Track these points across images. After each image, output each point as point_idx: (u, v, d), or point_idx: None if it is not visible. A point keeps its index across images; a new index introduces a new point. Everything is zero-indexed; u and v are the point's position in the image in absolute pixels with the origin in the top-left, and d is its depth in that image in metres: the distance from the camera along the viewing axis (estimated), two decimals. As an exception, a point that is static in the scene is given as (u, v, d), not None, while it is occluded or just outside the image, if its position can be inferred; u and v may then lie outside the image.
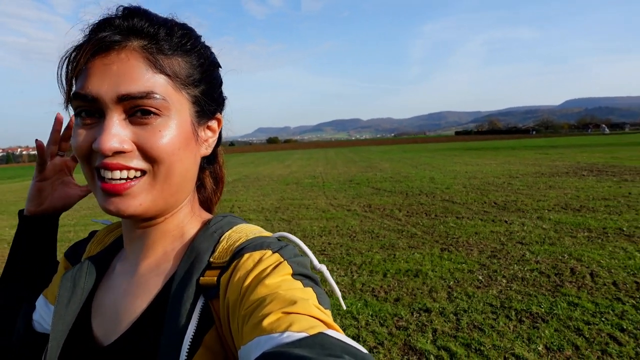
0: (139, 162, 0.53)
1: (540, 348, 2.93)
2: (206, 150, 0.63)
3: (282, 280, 0.50)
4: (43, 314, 0.71)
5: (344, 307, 0.63)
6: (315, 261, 0.58)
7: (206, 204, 0.72)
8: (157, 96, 0.53)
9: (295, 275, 0.52)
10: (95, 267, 0.66)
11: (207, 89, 0.61)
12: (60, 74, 0.54)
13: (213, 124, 0.64)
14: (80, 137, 0.54)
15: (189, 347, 0.50)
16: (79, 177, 0.72)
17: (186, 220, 0.64)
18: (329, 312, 0.49)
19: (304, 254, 0.59)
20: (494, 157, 21.06)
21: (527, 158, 19.29)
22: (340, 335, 0.43)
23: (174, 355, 0.50)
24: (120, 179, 0.53)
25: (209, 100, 0.61)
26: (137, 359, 0.54)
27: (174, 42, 0.56)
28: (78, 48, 0.53)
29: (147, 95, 0.52)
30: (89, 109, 0.53)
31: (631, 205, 7.46)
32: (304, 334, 0.42)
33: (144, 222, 0.61)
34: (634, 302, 3.54)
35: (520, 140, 52.32)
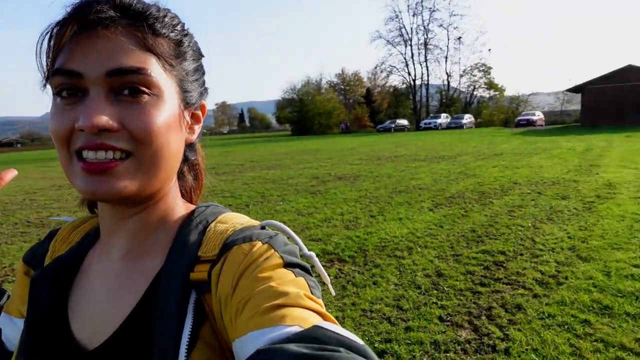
0: (124, 143, 0.50)
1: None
2: (191, 137, 0.61)
3: (273, 272, 0.49)
4: (10, 333, 0.66)
5: (333, 294, 0.62)
6: (305, 248, 0.57)
7: (187, 196, 0.69)
8: (148, 73, 0.50)
9: (286, 265, 0.51)
10: (67, 266, 0.62)
11: (194, 74, 0.59)
12: (40, 50, 0.50)
13: (198, 111, 0.62)
14: (59, 118, 0.50)
15: (187, 342, 0.48)
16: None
17: (169, 210, 0.61)
18: (321, 301, 0.48)
19: (293, 241, 0.58)
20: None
21: (34, 172, 16.77)
22: (335, 326, 0.42)
23: (172, 352, 0.48)
24: (106, 159, 0.49)
25: (195, 85, 0.59)
26: (130, 359, 0.51)
27: (164, 23, 0.54)
28: (62, 22, 0.49)
29: (139, 70, 0.50)
30: (70, 87, 0.50)
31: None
32: (298, 328, 0.41)
33: (125, 211, 0.58)
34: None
35: (9, 154, 48.33)
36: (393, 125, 45.24)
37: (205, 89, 0.64)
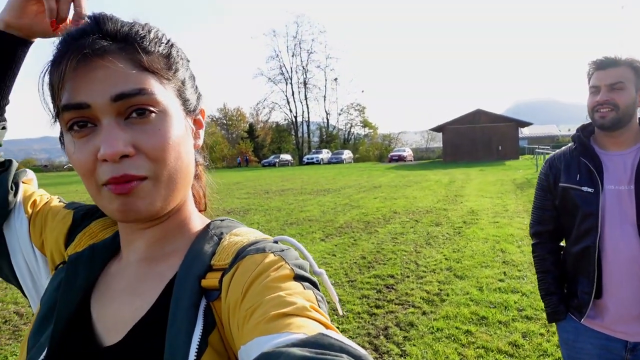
0: (143, 169, 0.52)
1: None
2: (198, 142, 0.64)
3: (283, 283, 0.50)
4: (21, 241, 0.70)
5: (341, 313, 0.64)
6: (315, 265, 0.59)
7: (197, 200, 0.72)
8: (150, 92, 0.53)
9: (295, 278, 0.52)
10: (98, 256, 0.63)
11: (187, 81, 0.62)
12: (42, 91, 0.52)
13: (198, 116, 0.64)
14: (80, 153, 0.52)
15: (197, 348, 0.50)
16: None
17: (186, 219, 0.63)
18: (327, 315, 0.49)
19: (304, 257, 0.59)
20: None
21: None
22: (339, 335, 0.43)
23: (181, 356, 0.49)
24: (129, 181, 0.52)
25: (191, 92, 0.62)
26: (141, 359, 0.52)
27: (150, 40, 0.56)
28: (58, 59, 0.51)
29: (140, 91, 0.52)
30: (81, 120, 0.52)
31: None
32: (302, 335, 0.42)
33: (146, 223, 0.59)
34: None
35: None
36: (277, 160, 45.95)
37: (200, 93, 0.66)
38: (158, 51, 0.56)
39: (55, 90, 0.51)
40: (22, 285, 0.72)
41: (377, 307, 4.14)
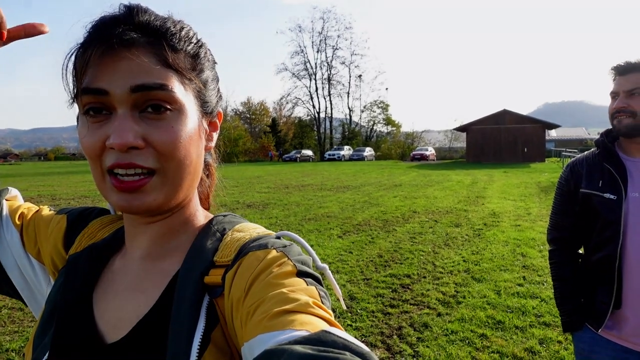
0: (150, 161, 0.52)
1: None
2: (210, 144, 0.64)
3: (285, 279, 0.50)
4: (15, 254, 0.70)
5: (344, 307, 0.64)
6: (318, 261, 0.59)
7: (202, 198, 0.72)
8: (170, 89, 0.53)
9: (298, 274, 0.52)
10: (98, 256, 0.64)
11: (210, 83, 0.62)
12: (66, 71, 0.52)
13: (214, 119, 0.64)
14: (90, 137, 0.53)
15: (199, 344, 0.50)
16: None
17: (190, 216, 0.63)
18: (330, 311, 0.49)
19: (307, 253, 0.59)
20: None
21: None
22: (342, 333, 0.43)
23: (183, 354, 0.49)
24: (135, 174, 0.52)
25: (212, 95, 0.62)
26: (144, 356, 0.53)
27: (180, 38, 0.56)
28: (86, 44, 0.52)
29: (162, 87, 0.52)
30: (98, 106, 0.52)
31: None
32: (305, 332, 0.42)
33: (150, 218, 0.59)
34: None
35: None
36: (298, 155, 46.08)
37: (220, 96, 0.66)
38: (186, 50, 0.57)
39: (78, 72, 0.52)
40: (24, 297, 0.72)
41: (392, 306, 4.12)
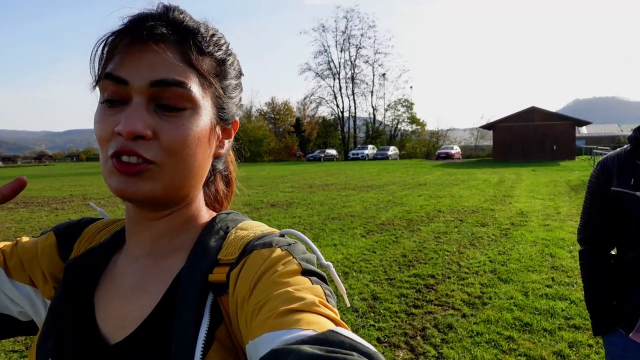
0: (152, 153, 0.52)
1: None
2: (220, 150, 0.63)
3: (290, 278, 0.50)
4: (16, 293, 0.66)
5: (348, 304, 0.63)
6: (322, 258, 0.58)
7: (217, 204, 0.72)
8: (188, 87, 0.54)
9: (303, 273, 0.52)
10: (97, 259, 0.64)
11: (231, 92, 0.62)
12: (94, 55, 0.53)
13: (230, 126, 0.64)
14: (103, 123, 0.54)
15: (203, 342, 0.50)
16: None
17: (193, 216, 0.63)
18: (336, 310, 0.49)
19: (311, 251, 0.59)
20: None
21: None
22: (348, 332, 0.43)
23: (188, 352, 0.49)
24: (138, 162, 0.52)
25: (231, 103, 0.62)
26: (149, 356, 0.52)
27: (209, 42, 0.57)
28: (116, 33, 0.53)
29: (181, 84, 0.53)
30: (116, 94, 0.53)
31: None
32: (312, 331, 0.41)
33: (152, 214, 0.59)
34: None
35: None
36: (322, 155, 46.13)
37: (240, 105, 0.67)
38: (213, 55, 0.58)
39: (105, 58, 0.53)
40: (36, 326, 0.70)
41: (416, 307, 4.07)
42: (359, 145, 54.23)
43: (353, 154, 45.75)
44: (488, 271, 5.07)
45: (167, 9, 0.55)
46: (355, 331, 3.57)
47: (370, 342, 3.36)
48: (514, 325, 3.62)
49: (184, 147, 0.54)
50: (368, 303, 4.18)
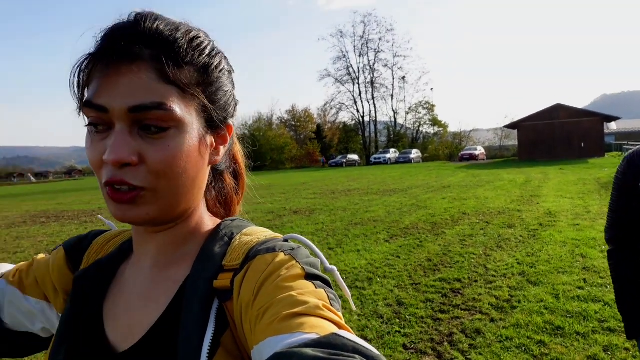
0: (140, 180, 0.52)
1: None
2: (216, 158, 0.62)
3: (294, 282, 0.50)
4: (16, 306, 0.69)
5: (354, 309, 0.64)
6: (326, 262, 0.58)
7: (228, 203, 0.72)
8: (169, 107, 0.52)
9: (307, 277, 0.52)
10: (105, 270, 0.65)
11: (218, 98, 0.59)
12: (73, 82, 0.53)
13: (223, 132, 0.62)
14: (92, 151, 0.54)
15: (209, 348, 0.50)
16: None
17: (197, 225, 0.63)
18: (340, 314, 0.49)
19: (315, 255, 0.59)
20: None
21: None
22: (352, 336, 0.43)
23: (194, 357, 0.49)
24: (129, 190, 0.53)
25: (220, 109, 0.60)
26: None
27: (187, 52, 0.54)
28: (92, 56, 0.52)
29: (159, 106, 0.51)
30: (98, 122, 0.53)
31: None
32: (315, 335, 0.42)
33: (155, 228, 0.60)
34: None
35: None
36: (344, 160, 46.06)
37: (235, 105, 0.64)
38: (194, 62, 0.55)
39: (82, 85, 0.53)
40: None
41: (442, 312, 4.00)
42: (380, 150, 53.98)
43: (375, 159, 45.53)
44: (516, 274, 4.95)
45: (139, 20, 0.53)
46: (381, 338, 3.53)
47: (396, 348, 3.32)
48: (545, 329, 3.51)
49: (172, 168, 0.53)
50: (393, 309, 4.13)
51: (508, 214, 8.81)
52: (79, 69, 0.53)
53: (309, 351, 0.38)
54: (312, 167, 49.02)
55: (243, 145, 0.75)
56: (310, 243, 0.60)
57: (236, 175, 0.73)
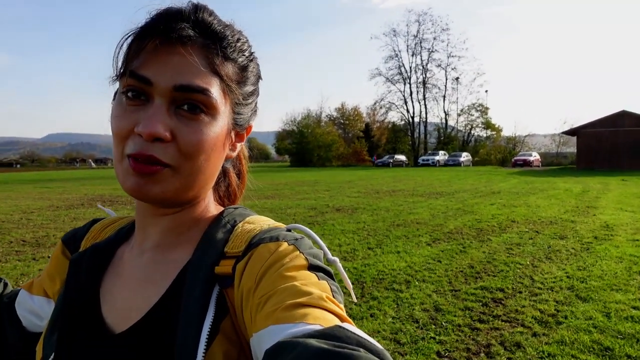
0: (169, 157, 0.53)
1: None
2: (231, 153, 0.64)
3: (297, 272, 0.50)
4: (26, 308, 0.71)
5: (355, 300, 0.63)
6: (329, 253, 0.59)
7: (230, 197, 0.74)
8: (212, 95, 0.54)
9: (310, 268, 0.52)
10: (103, 252, 0.66)
11: (249, 98, 0.62)
12: (119, 50, 0.54)
13: (243, 131, 0.65)
14: (123, 119, 0.54)
15: (208, 333, 0.50)
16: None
17: (202, 212, 0.64)
18: (342, 306, 0.49)
19: (318, 246, 0.59)
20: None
21: (32, 192, 17.38)
22: (355, 329, 0.43)
23: (192, 342, 0.49)
24: (152, 163, 0.53)
25: (247, 109, 0.62)
26: (153, 345, 0.53)
27: (234, 47, 0.57)
28: (146, 30, 0.53)
29: (204, 91, 0.53)
30: (138, 91, 0.53)
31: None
32: (319, 326, 0.42)
33: (161, 210, 0.60)
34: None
35: (9, 174, 47.56)
36: (391, 161, 45.61)
37: (256, 111, 0.67)
38: (236, 61, 0.58)
39: (131, 54, 0.53)
40: None
41: (481, 321, 3.85)
42: (429, 151, 53.00)
43: (423, 160, 44.82)
44: (565, 287, 4.69)
45: (196, 9, 0.55)
46: (414, 342, 3.45)
47: (429, 355, 3.23)
48: (592, 349, 3.30)
49: (201, 152, 0.55)
50: (430, 314, 4.02)
51: (560, 225, 8.37)
52: (131, 38, 0.54)
53: (314, 342, 0.38)
54: (358, 166, 48.87)
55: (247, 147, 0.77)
56: (313, 234, 0.60)
57: (239, 175, 0.75)
